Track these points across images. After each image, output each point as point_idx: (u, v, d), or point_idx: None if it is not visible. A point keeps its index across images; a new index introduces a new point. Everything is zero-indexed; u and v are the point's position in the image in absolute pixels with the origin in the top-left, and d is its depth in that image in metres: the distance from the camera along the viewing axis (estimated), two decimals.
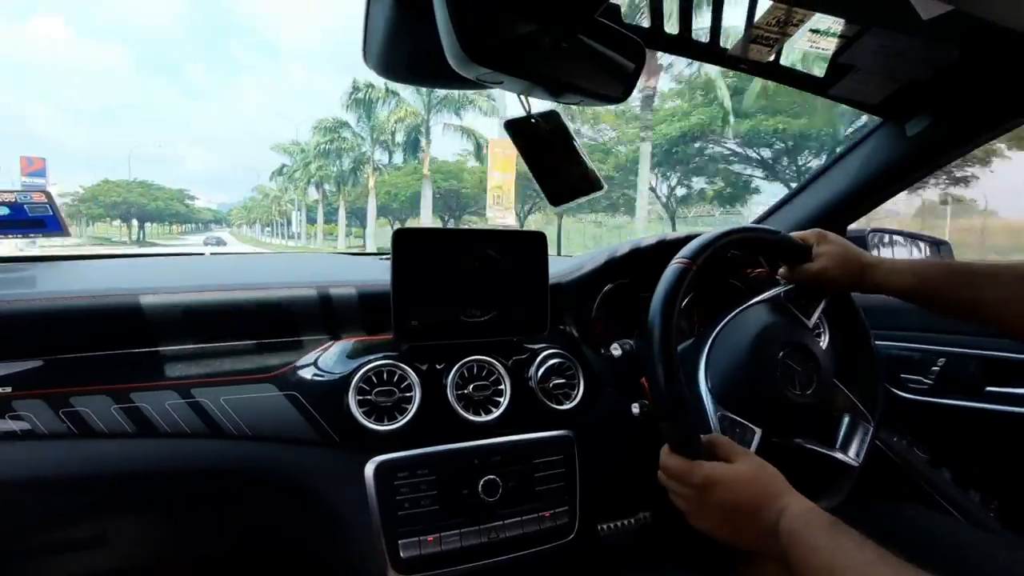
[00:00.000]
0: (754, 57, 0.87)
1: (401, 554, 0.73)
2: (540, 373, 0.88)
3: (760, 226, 0.84)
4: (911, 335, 0.85)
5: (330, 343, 0.84)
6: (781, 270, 0.86)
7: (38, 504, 0.68)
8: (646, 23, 0.80)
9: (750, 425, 0.73)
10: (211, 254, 1.25)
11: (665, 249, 1.04)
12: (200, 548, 0.80)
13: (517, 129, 0.72)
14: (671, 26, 0.81)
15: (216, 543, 0.80)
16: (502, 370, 0.87)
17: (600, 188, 0.74)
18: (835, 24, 0.84)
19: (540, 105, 0.72)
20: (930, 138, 0.97)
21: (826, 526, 0.53)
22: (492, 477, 0.79)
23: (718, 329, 0.82)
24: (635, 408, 0.74)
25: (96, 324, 0.74)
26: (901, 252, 1.38)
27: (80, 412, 0.68)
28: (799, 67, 0.94)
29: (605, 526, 0.95)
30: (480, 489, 0.78)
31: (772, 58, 0.89)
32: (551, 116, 0.73)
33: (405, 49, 0.70)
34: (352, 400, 0.76)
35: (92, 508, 0.72)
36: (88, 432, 0.68)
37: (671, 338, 0.66)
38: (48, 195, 0.90)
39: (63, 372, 0.70)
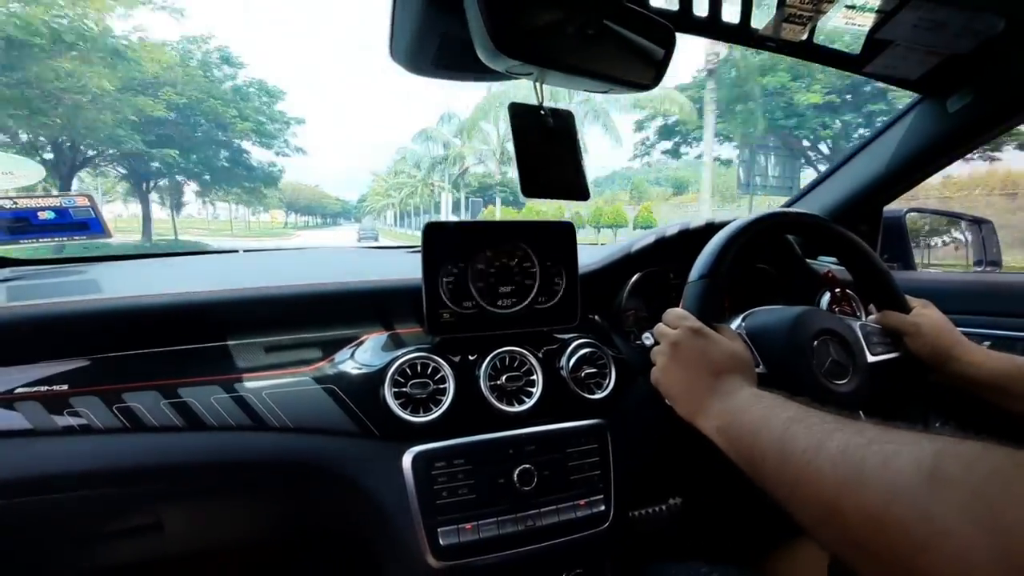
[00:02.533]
0: (787, 36, 0.85)
1: (440, 541, 0.74)
2: (571, 363, 0.89)
3: (869, 250, 0.84)
4: (954, 318, 0.82)
5: (364, 337, 0.86)
6: (872, 307, 0.87)
7: (96, 494, 0.71)
8: (674, 6, 0.79)
9: None
10: (244, 251, 1.28)
11: (688, 238, 1.03)
12: (249, 535, 0.83)
13: (521, 115, 0.70)
14: (700, 8, 0.79)
15: (264, 530, 0.83)
16: (534, 361, 0.87)
17: (582, 199, 0.73)
18: None
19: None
20: (973, 114, 0.94)
21: (772, 396, 0.57)
22: (527, 466, 0.80)
23: (754, 311, 0.82)
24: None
25: (144, 323, 0.77)
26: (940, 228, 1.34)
27: (132, 407, 0.71)
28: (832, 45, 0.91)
29: (636, 513, 0.95)
30: (515, 478, 0.79)
31: (805, 37, 0.86)
32: (564, 115, 0.73)
33: (433, 44, 0.70)
34: (388, 392, 0.77)
35: (146, 498, 0.75)
36: (140, 426, 0.71)
37: (733, 248, 0.73)
38: (91, 198, 0.93)
39: (114, 369, 0.73)
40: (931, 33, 0.85)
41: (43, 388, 0.69)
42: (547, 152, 0.71)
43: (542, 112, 0.71)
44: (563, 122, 0.73)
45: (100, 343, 0.74)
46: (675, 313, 0.72)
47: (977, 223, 1.38)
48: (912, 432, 0.40)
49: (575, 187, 0.72)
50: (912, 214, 1.31)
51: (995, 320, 1.11)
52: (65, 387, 0.70)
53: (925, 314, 0.81)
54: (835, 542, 0.42)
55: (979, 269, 1.35)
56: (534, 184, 0.70)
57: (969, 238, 1.35)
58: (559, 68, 0.63)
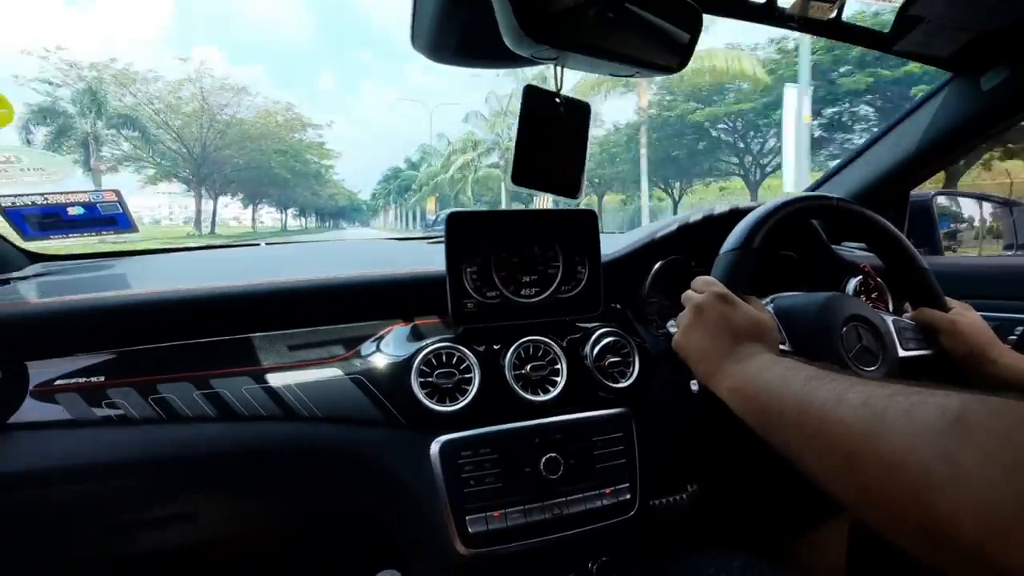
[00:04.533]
0: (814, 15, 0.83)
1: (469, 529, 0.75)
2: (595, 352, 0.88)
3: (910, 247, 0.82)
4: (989, 303, 0.80)
5: (390, 328, 0.87)
6: (908, 304, 0.84)
7: (133, 483, 0.73)
8: None
9: None
10: (266, 244, 1.29)
11: (712, 226, 1.02)
12: (281, 521, 0.84)
13: (534, 99, 0.68)
14: None
15: (296, 517, 0.84)
16: (558, 350, 0.87)
17: (572, 197, 0.71)
18: None
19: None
20: (1008, 91, 0.91)
21: (791, 360, 0.56)
22: (553, 455, 0.80)
23: (782, 294, 0.81)
24: (694, 386, 0.74)
25: (176, 316, 0.78)
26: (969, 212, 1.31)
27: (167, 398, 0.72)
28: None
29: (658, 501, 0.95)
30: (542, 467, 0.79)
31: (833, 15, 0.84)
32: (580, 107, 0.71)
33: (455, 30, 0.69)
34: (415, 382, 0.78)
35: (181, 486, 0.77)
36: (175, 416, 0.72)
37: (768, 224, 0.73)
38: (118, 193, 0.94)
39: (148, 361, 0.74)
40: (965, 8, 0.82)
41: (81, 380, 0.71)
42: (551, 143, 0.70)
43: (557, 100, 0.70)
44: (577, 114, 0.70)
45: (134, 336, 0.75)
46: (703, 279, 0.71)
47: (1008, 205, 1.35)
48: (931, 386, 0.40)
49: (568, 183, 0.70)
50: (939, 197, 1.28)
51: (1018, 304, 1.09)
52: (102, 379, 0.71)
53: (964, 314, 0.79)
54: (853, 494, 0.42)
55: (1011, 253, 1.31)
56: (527, 173, 0.68)
57: (999, 221, 1.32)
58: (585, 51, 0.62)
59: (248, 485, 0.79)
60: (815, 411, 0.46)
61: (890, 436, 0.37)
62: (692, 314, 0.68)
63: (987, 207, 1.34)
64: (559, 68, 0.67)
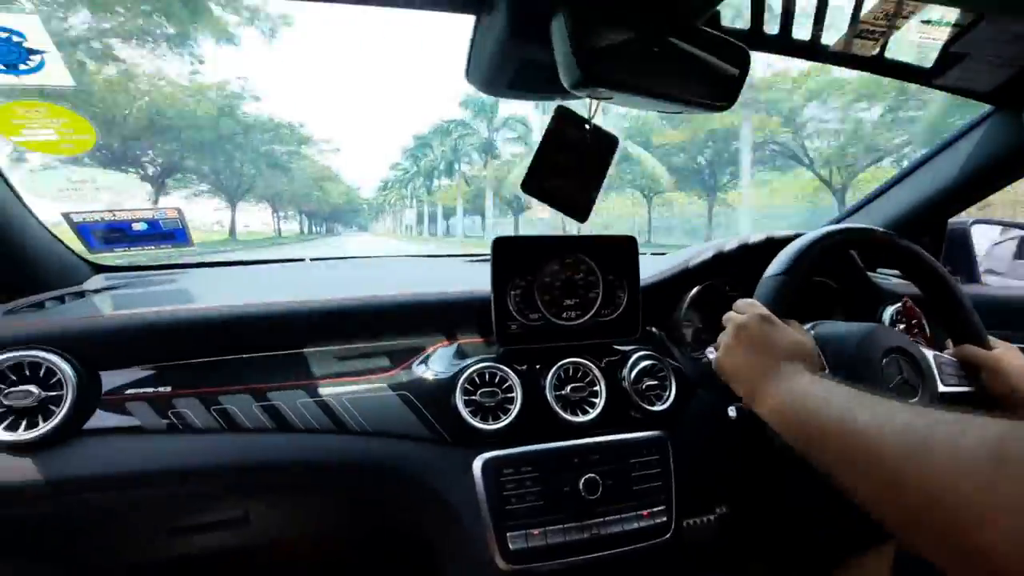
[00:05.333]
0: (858, 52, 0.85)
1: (510, 546, 0.77)
2: (633, 375, 0.90)
3: (955, 284, 0.82)
4: (1018, 335, 0.80)
5: (436, 346, 0.90)
6: (949, 341, 0.84)
7: (195, 487, 0.77)
8: (746, 24, 0.80)
9: None
10: (310, 260, 1.34)
11: (747, 253, 1.03)
12: (323, 529, 0.87)
13: (564, 120, 0.70)
14: (771, 26, 0.80)
15: (342, 527, 0.88)
16: (596, 372, 0.89)
17: (579, 219, 0.73)
18: (948, 13, 0.81)
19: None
20: None
21: (834, 382, 0.56)
22: (592, 475, 0.82)
23: (822, 322, 0.82)
24: (732, 411, 0.75)
25: (236, 330, 0.82)
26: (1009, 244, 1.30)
27: (228, 409, 0.76)
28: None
29: (688, 522, 0.96)
30: (581, 487, 0.81)
31: (876, 51, 0.86)
32: (608, 139, 0.72)
33: (511, 69, 0.72)
34: (459, 400, 0.81)
35: (237, 493, 0.80)
36: (235, 426, 0.76)
37: (813, 252, 0.75)
38: (179, 211, 0.99)
39: (210, 373, 0.78)
40: (1010, 45, 0.83)
41: (149, 390, 0.75)
42: (569, 162, 0.71)
43: (587, 127, 0.72)
44: (603, 145, 0.73)
45: (197, 349, 0.79)
46: (746, 301, 0.72)
47: None
48: (975, 415, 0.40)
49: (578, 206, 0.72)
50: (977, 225, 1.27)
51: None
52: (168, 389, 0.75)
53: (1008, 353, 0.77)
54: (893, 517, 0.42)
55: None
56: (538, 184, 0.70)
57: None
58: (636, 91, 0.65)
59: (298, 494, 0.83)
60: (857, 434, 0.47)
61: (932, 465, 0.38)
62: (734, 333, 0.69)
63: None
64: (596, 102, 0.70)
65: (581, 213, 0.73)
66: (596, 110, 0.72)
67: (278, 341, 0.83)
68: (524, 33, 0.64)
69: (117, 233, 0.98)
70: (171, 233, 1.01)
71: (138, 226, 0.98)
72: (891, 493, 0.42)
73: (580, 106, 0.73)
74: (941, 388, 0.77)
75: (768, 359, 0.64)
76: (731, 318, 0.72)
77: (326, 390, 0.80)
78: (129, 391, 0.74)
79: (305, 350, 0.84)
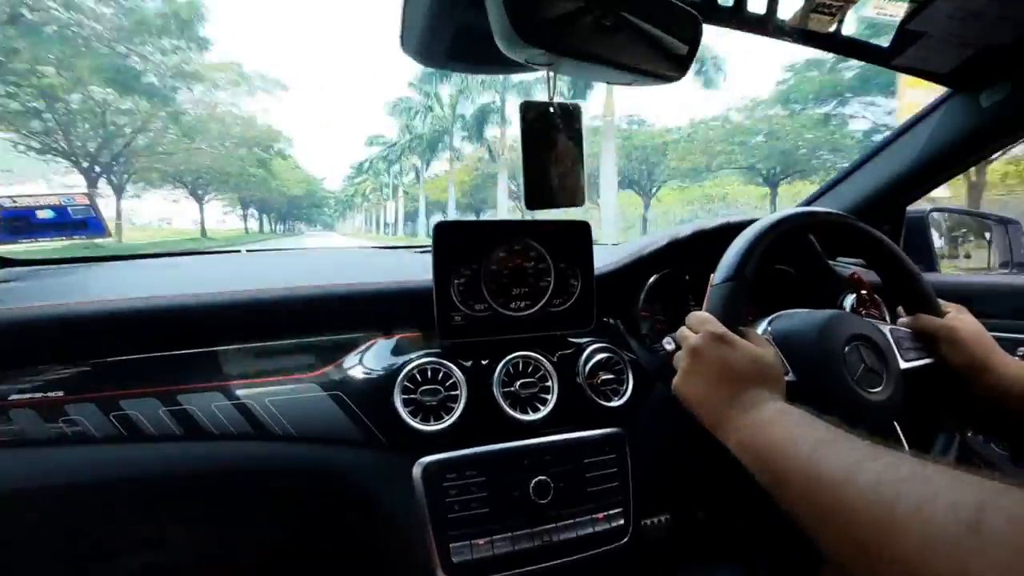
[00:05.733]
0: (814, 28, 0.81)
1: (452, 558, 0.71)
2: (588, 368, 0.85)
3: (898, 250, 0.81)
4: (989, 323, 0.78)
5: (372, 341, 0.83)
6: (901, 309, 0.83)
7: (95, 507, 0.68)
8: None
9: None
10: (246, 251, 1.25)
11: (702, 240, 0.99)
12: (253, 547, 0.80)
13: (532, 114, 0.68)
14: None
15: (268, 542, 0.80)
16: (548, 366, 0.84)
17: (578, 204, 0.71)
18: None
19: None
20: (1010, 108, 0.89)
21: (800, 413, 0.55)
22: (543, 478, 0.76)
23: (780, 314, 0.79)
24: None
25: (143, 327, 0.74)
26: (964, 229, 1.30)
27: (130, 415, 0.67)
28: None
29: (648, 521, 0.91)
30: (531, 490, 0.75)
31: (833, 28, 0.82)
32: (571, 110, 0.70)
33: (447, 34, 0.67)
34: (398, 399, 0.74)
35: (146, 510, 0.72)
36: (138, 435, 0.68)
37: (759, 249, 0.71)
38: (90, 196, 0.90)
39: (112, 375, 0.70)
40: (967, 23, 0.81)
41: (38, 395, 0.66)
42: (553, 155, 0.69)
43: (552, 109, 0.69)
44: (570, 117, 0.70)
45: (97, 348, 0.71)
46: (697, 317, 0.69)
47: (1004, 223, 1.34)
48: (950, 471, 0.38)
49: (573, 194, 0.70)
50: (936, 213, 1.27)
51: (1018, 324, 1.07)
52: (60, 393, 0.67)
53: (960, 318, 0.77)
54: (863, 575, 0.41)
55: (1005, 271, 1.30)
56: (538, 195, 0.68)
57: (996, 238, 1.31)
58: (581, 57, 0.60)
59: (217, 508, 0.75)
60: (824, 487, 0.44)
61: (904, 535, 0.36)
62: (690, 358, 0.66)
63: (985, 224, 1.33)
64: (553, 74, 0.65)
65: (577, 199, 0.71)
66: (554, 84, 0.68)
67: (191, 338, 0.75)
68: None
69: (20, 222, 0.88)
70: (83, 222, 0.92)
71: (43, 214, 0.89)
72: (863, 560, 0.40)
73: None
74: (903, 365, 0.75)
75: (729, 386, 0.61)
76: (685, 338, 0.68)
77: (245, 391, 0.72)
78: (14, 397, 0.65)
79: (221, 347, 0.76)
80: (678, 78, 0.66)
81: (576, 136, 0.69)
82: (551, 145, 0.69)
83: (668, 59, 0.65)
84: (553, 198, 0.70)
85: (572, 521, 0.77)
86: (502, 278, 0.84)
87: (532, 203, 0.69)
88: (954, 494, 0.35)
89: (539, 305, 0.86)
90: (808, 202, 1.29)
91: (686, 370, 0.66)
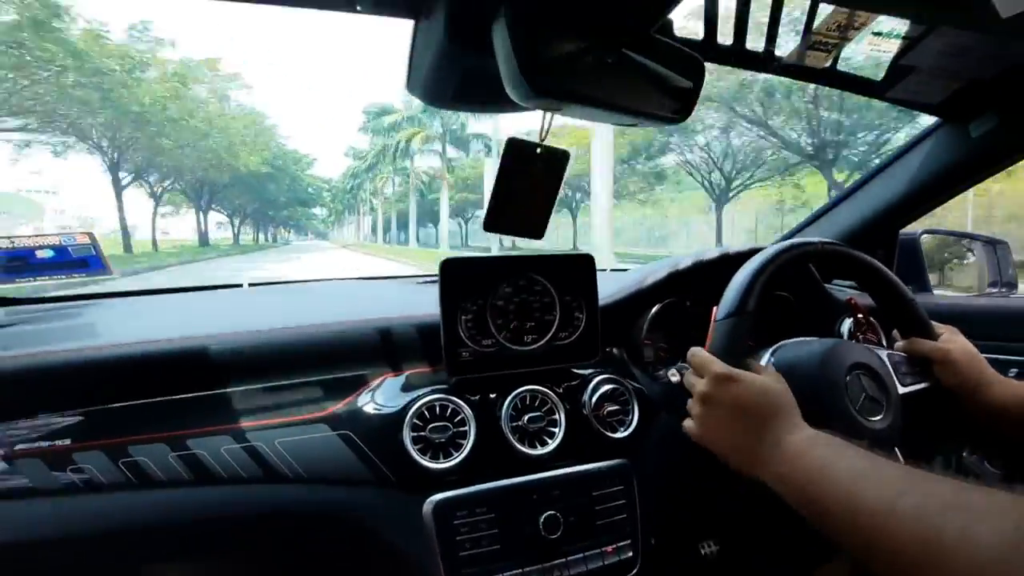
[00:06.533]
0: (811, 63, 0.84)
1: None
2: (594, 400, 0.85)
3: (893, 277, 0.83)
4: (981, 344, 0.80)
5: (381, 378, 0.82)
6: (896, 333, 0.85)
7: (103, 556, 0.67)
8: (699, 35, 0.77)
9: None
10: (249, 285, 1.24)
11: (702, 270, 1.01)
12: None
13: (516, 152, 0.67)
14: (725, 36, 0.78)
15: None
16: (555, 399, 0.84)
17: (536, 238, 0.72)
18: (899, 25, 0.80)
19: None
20: (997, 138, 0.92)
21: (827, 441, 0.56)
22: (552, 512, 0.76)
23: (782, 344, 0.80)
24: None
25: (150, 371, 0.73)
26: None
27: (139, 461, 0.67)
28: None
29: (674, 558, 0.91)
30: (541, 525, 0.75)
31: (829, 64, 0.85)
32: (559, 156, 0.70)
33: (453, 79, 0.67)
34: (407, 438, 0.74)
35: (154, 557, 0.71)
36: (147, 481, 0.67)
37: (759, 282, 0.72)
38: (91, 236, 0.89)
39: (120, 421, 0.69)
40: (955, 58, 0.83)
41: (44, 444, 0.65)
42: (525, 192, 0.70)
43: (538, 151, 0.69)
44: (554, 164, 0.70)
45: (104, 394, 0.70)
46: (699, 358, 0.69)
47: (992, 244, 1.37)
48: (985, 493, 0.40)
49: (534, 227, 0.71)
50: (927, 235, 1.29)
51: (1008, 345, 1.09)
52: (68, 442, 0.66)
53: (953, 340, 0.80)
54: None
55: (995, 291, 1.33)
56: (498, 221, 0.69)
57: (984, 259, 1.34)
58: (587, 103, 0.61)
59: (226, 554, 0.74)
60: (865, 519, 0.46)
61: (951, 561, 0.38)
62: (702, 405, 0.66)
63: (974, 245, 1.36)
64: (549, 117, 0.66)
65: (538, 233, 0.71)
66: (548, 125, 0.69)
67: (197, 381, 0.74)
68: (464, 40, 0.59)
69: (18, 262, 0.87)
70: (83, 260, 0.91)
71: (43, 253, 0.87)
72: None
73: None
74: (901, 390, 0.77)
75: (747, 425, 0.62)
76: (692, 385, 0.69)
77: (255, 433, 0.72)
78: (20, 446, 0.64)
79: (232, 390, 0.75)
80: (682, 119, 0.67)
81: (555, 180, 0.69)
82: (527, 181, 0.69)
83: (671, 100, 0.67)
84: (512, 227, 0.70)
85: (582, 555, 0.77)
86: (508, 313, 0.84)
87: (491, 227, 0.69)
88: (994, 517, 0.37)
89: (545, 339, 0.86)
90: (804, 226, 1.31)
91: (702, 417, 0.66)
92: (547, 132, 0.69)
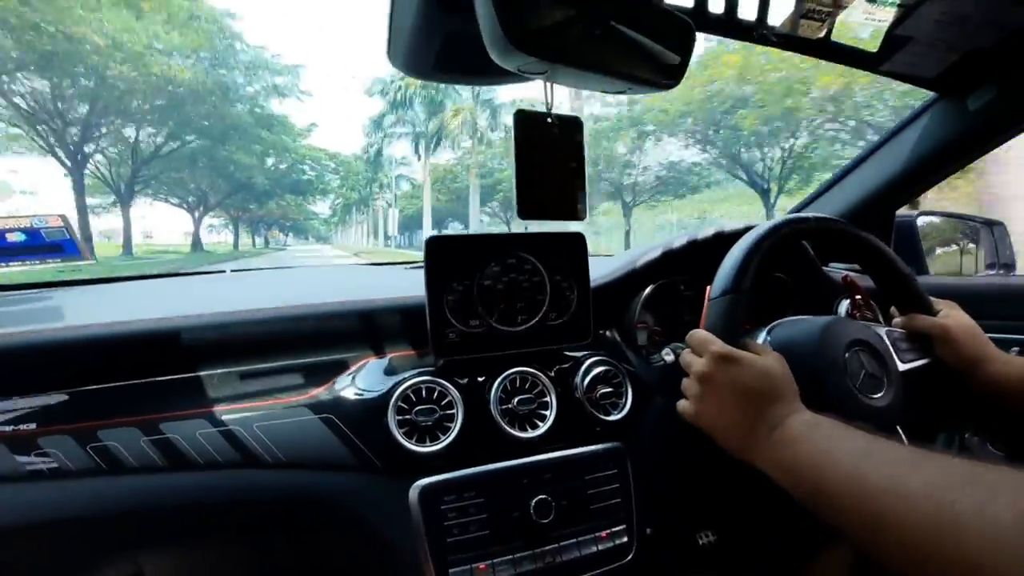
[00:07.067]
0: (804, 34, 0.81)
1: None
2: (586, 383, 0.83)
3: (890, 252, 0.81)
4: (983, 323, 0.78)
5: (364, 361, 0.80)
6: (894, 310, 0.84)
7: (71, 545, 0.65)
8: (689, 3, 0.75)
9: None
10: (232, 272, 1.21)
11: (696, 249, 0.99)
12: None
13: (526, 123, 0.66)
14: (716, 5, 0.75)
15: (259, 574, 0.76)
16: (546, 381, 0.81)
17: (578, 218, 0.70)
18: None
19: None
20: (996, 111, 0.90)
21: (830, 425, 0.55)
22: (544, 497, 0.74)
23: (779, 323, 0.78)
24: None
25: (122, 353, 0.70)
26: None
27: (108, 446, 0.64)
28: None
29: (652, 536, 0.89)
30: (532, 510, 0.73)
31: (823, 34, 0.82)
32: (572, 122, 0.69)
33: (435, 45, 0.65)
34: (392, 420, 0.71)
35: (126, 546, 0.68)
36: (118, 467, 0.64)
37: (755, 260, 0.70)
38: (64, 218, 0.86)
39: (89, 405, 0.66)
40: (953, 27, 0.81)
41: (8, 428, 0.62)
42: (549, 167, 0.68)
43: (549, 120, 0.67)
44: (570, 130, 0.69)
45: (73, 376, 0.67)
46: (698, 337, 0.67)
47: (989, 225, 1.35)
48: (1000, 470, 0.39)
49: (569, 207, 0.69)
50: (923, 217, 1.27)
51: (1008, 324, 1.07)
52: (33, 426, 0.63)
53: (952, 315, 0.78)
54: None
55: (992, 272, 1.32)
56: (530, 206, 0.67)
57: (982, 240, 1.32)
58: (574, 65, 0.58)
59: (202, 542, 0.71)
60: (873, 499, 0.44)
61: (966, 537, 0.36)
62: (699, 385, 0.64)
63: (971, 227, 1.35)
64: (550, 84, 0.64)
65: (576, 213, 0.70)
66: (551, 95, 0.67)
67: (171, 363, 0.71)
68: (445, 1, 0.57)
69: None
70: (57, 245, 0.88)
71: (13, 236, 0.84)
72: (924, 566, 0.40)
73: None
74: (901, 367, 0.75)
75: (746, 408, 0.60)
76: (689, 364, 0.67)
77: (232, 417, 0.69)
78: None
79: (208, 372, 0.72)
80: (672, 85, 0.65)
81: (576, 148, 0.68)
82: (547, 156, 0.68)
83: (661, 67, 0.64)
84: (547, 210, 0.69)
85: (575, 540, 0.75)
86: (496, 293, 0.82)
87: (524, 213, 0.67)
88: (1011, 491, 0.36)
89: (535, 319, 0.83)
90: (799, 208, 1.29)
91: (699, 397, 0.64)
92: (551, 102, 0.67)
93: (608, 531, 0.77)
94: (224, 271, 1.20)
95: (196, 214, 24.03)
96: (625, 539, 0.78)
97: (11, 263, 0.87)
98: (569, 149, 0.68)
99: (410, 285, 0.89)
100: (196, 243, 24.42)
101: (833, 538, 0.84)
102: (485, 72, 0.66)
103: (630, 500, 0.80)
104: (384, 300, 0.85)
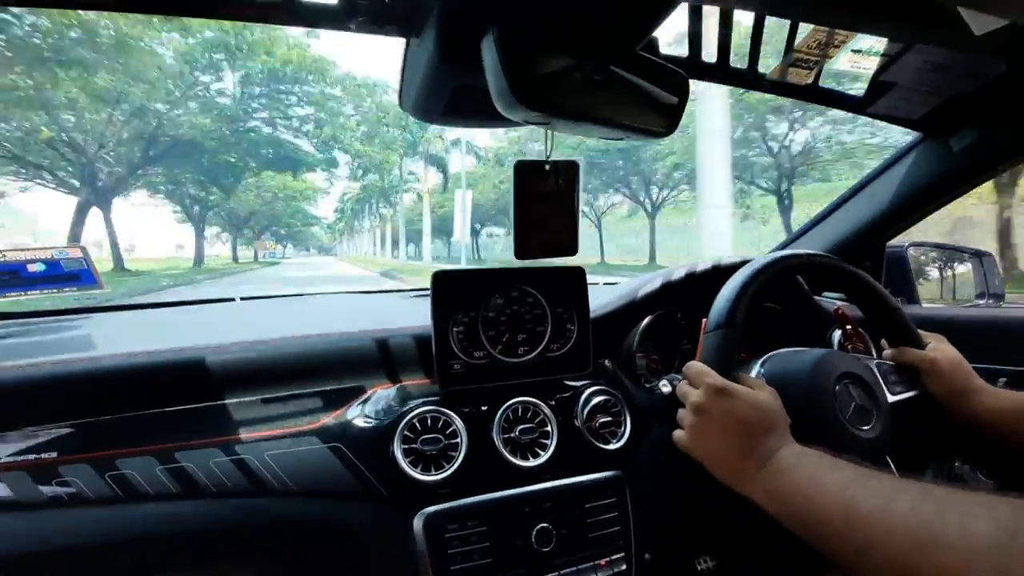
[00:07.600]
0: (793, 80, 0.86)
1: None
2: (586, 412, 0.85)
3: (880, 287, 0.84)
4: (970, 355, 0.81)
5: (371, 391, 0.82)
6: (884, 342, 0.86)
7: (86, 570, 0.66)
8: (684, 52, 0.79)
9: None
10: (241, 299, 1.24)
11: (694, 281, 1.02)
12: None
13: (526, 173, 0.71)
14: (709, 54, 0.80)
15: None
16: (547, 411, 0.84)
17: (571, 255, 0.75)
18: (878, 43, 0.82)
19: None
20: (977, 152, 0.94)
21: (819, 456, 0.57)
22: (545, 525, 0.76)
23: (772, 355, 0.81)
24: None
25: (139, 384, 0.73)
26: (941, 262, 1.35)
27: (126, 475, 0.66)
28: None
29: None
30: (533, 538, 0.75)
31: (811, 80, 0.87)
32: (568, 167, 0.72)
33: (445, 95, 0.69)
34: (398, 450, 0.74)
35: (138, 571, 0.70)
36: (134, 495, 0.66)
37: (748, 294, 0.72)
38: (83, 250, 0.90)
39: (109, 434, 0.69)
40: (934, 75, 0.86)
41: (30, 456, 0.65)
42: (545, 211, 0.72)
43: (547, 168, 0.71)
44: (567, 175, 0.72)
45: (91, 406, 0.70)
46: (694, 370, 0.69)
47: (978, 256, 1.39)
48: (978, 493, 0.42)
49: (566, 246, 0.73)
50: (913, 248, 1.31)
51: (1016, 356, 1.09)
52: (54, 455, 0.65)
53: (940, 349, 0.81)
54: None
55: (982, 302, 1.35)
56: (528, 247, 0.71)
57: (971, 271, 1.35)
58: (575, 117, 0.62)
59: (212, 568, 0.73)
60: (860, 521, 0.47)
61: (948, 552, 0.39)
62: (695, 415, 0.67)
63: (960, 258, 1.38)
64: (550, 133, 0.67)
65: (570, 250, 0.74)
66: (551, 143, 0.71)
67: (189, 394, 0.74)
68: (455, 57, 0.61)
69: (9, 275, 0.87)
70: (75, 275, 0.91)
71: (34, 267, 0.88)
72: None
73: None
74: (890, 399, 0.78)
75: (740, 440, 0.63)
76: (686, 395, 0.69)
77: (245, 446, 0.71)
78: (5, 459, 0.64)
79: (222, 402, 0.75)
80: (668, 133, 0.69)
81: (572, 191, 0.71)
82: (545, 201, 0.71)
83: (658, 115, 0.68)
84: (544, 250, 0.72)
85: (575, 569, 0.77)
86: (500, 325, 0.85)
87: (523, 254, 0.72)
88: (990, 510, 0.39)
89: (537, 350, 0.86)
90: (795, 238, 1.33)
91: (694, 428, 0.67)
92: (551, 149, 0.71)
93: (607, 559, 0.79)
94: (234, 299, 1.23)
95: (200, 225, 21.68)
96: (624, 567, 0.79)
97: (30, 291, 0.90)
98: (567, 192, 0.72)
99: (416, 314, 0.92)
100: (199, 259, 21.28)
101: (829, 566, 0.86)
102: (490, 117, 0.69)
103: (629, 527, 0.82)
104: (388, 330, 0.87)
